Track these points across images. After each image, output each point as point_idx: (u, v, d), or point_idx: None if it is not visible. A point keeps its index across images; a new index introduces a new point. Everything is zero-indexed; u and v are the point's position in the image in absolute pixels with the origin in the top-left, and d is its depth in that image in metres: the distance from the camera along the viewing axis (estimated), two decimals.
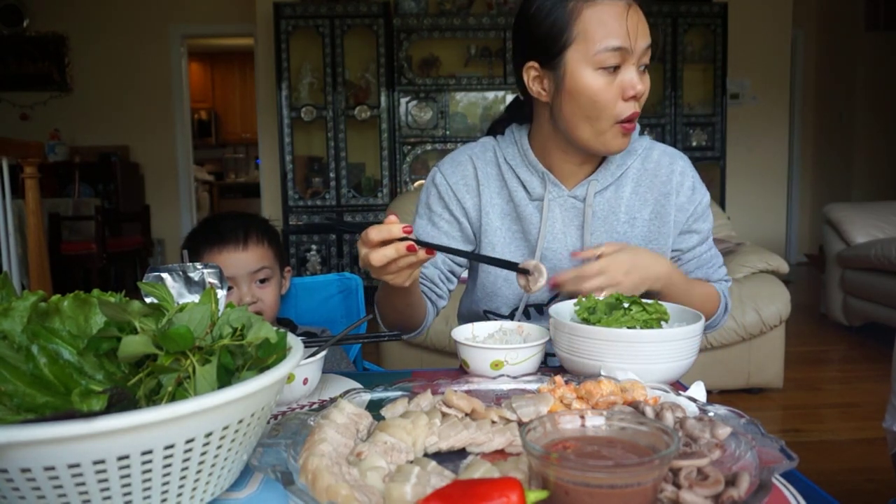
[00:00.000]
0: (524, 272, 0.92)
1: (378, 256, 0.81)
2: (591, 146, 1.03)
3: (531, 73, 1.04)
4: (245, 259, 1.19)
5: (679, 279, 1.05)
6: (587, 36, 0.96)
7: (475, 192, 1.13)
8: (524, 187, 1.10)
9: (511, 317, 1.15)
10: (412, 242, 0.81)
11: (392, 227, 0.81)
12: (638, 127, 1.13)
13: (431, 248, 0.83)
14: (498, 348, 0.86)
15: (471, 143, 1.17)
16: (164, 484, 0.48)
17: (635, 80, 0.96)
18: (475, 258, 0.87)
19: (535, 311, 1.15)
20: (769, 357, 2.78)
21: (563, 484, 0.47)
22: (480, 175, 1.13)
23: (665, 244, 1.11)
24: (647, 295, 1.00)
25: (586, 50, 0.96)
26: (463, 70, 4.95)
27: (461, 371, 0.91)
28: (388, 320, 1.11)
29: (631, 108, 0.98)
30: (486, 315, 1.18)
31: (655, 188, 1.10)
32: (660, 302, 0.89)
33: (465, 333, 0.94)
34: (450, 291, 1.18)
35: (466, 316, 1.26)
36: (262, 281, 1.21)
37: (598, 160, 1.10)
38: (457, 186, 1.13)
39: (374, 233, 0.81)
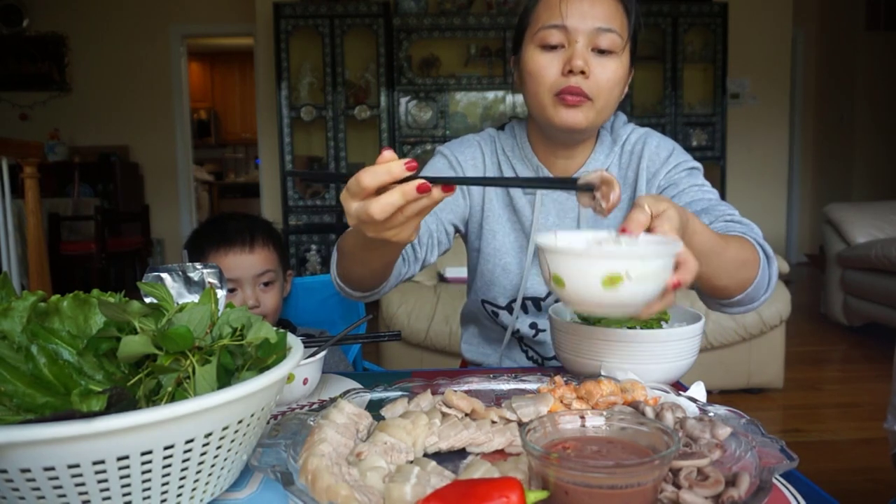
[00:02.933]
0: (587, 189, 0.67)
1: (380, 207, 0.60)
2: (544, 123, 1.03)
3: (513, 65, 1.08)
4: (250, 262, 1.20)
5: (698, 226, 0.75)
6: (536, 18, 1.00)
7: (482, 174, 1.14)
8: None
9: (509, 310, 1.15)
10: (423, 181, 0.60)
11: (391, 165, 0.60)
12: (624, 117, 1.16)
13: (449, 184, 0.62)
14: (616, 256, 0.58)
15: (474, 133, 1.19)
16: (164, 484, 0.48)
17: (576, 56, 0.96)
18: (511, 183, 0.59)
19: (533, 306, 1.14)
20: (769, 357, 2.78)
21: (563, 484, 0.47)
22: (488, 161, 1.14)
23: None
24: None
25: (532, 29, 1.00)
26: (463, 70, 4.95)
27: (461, 371, 0.90)
28: (348, 274, 0.93)
29: (567, 82, 0.96)
30: (484, 306, 1.18)
31: (632, 170, 1.11)
32: None
33: (551, 240, 0.65)
34: (424, 260, 1.03)
35: (469, 315, 1.27)
36: (266, 284, 1.22)
37: (585, 152, 1.10)
38: (466, 164, 1.13)
39: (369, 177, 0.60)
